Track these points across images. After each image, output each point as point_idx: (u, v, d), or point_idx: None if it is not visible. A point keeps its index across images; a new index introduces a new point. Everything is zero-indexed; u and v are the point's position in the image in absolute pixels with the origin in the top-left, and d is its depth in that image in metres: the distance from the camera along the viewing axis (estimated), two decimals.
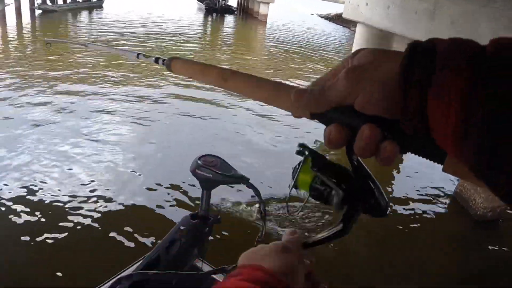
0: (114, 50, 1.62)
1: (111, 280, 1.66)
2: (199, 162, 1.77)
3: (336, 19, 33.20)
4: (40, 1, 24.71)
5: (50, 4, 24.92)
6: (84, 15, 25.43)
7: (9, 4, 21.90)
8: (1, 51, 14.75)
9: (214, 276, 1.90)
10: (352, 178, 0.58)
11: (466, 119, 0.37)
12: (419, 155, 0.47)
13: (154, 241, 4.90)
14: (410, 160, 8.75)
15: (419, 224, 6.36)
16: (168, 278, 1.61)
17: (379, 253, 5.70)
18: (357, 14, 10.76)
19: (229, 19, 31.99)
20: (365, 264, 5.38)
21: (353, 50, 7.36)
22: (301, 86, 0.53)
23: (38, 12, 23.52)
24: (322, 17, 38.06)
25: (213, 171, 1.74)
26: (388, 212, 0.59)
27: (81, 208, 5.65)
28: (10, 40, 17.10)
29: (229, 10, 34.37)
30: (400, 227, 6.22)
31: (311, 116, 0.51)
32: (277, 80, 0.60)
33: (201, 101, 10.58)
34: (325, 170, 0.60)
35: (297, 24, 30.51)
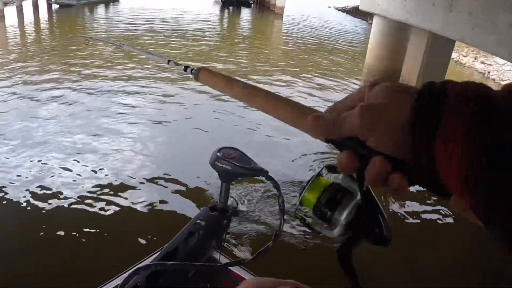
0: (147, 53, 1.68)
1: (129, 270, 1.66)
2: (218, 154, 1.78)
3: (354, 11, 32.78)
4: None
5: None
6: (100, 10, 25.62)
7: None
8: (21, 45, 15.06)
9: (230, 268, 1.90)
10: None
11: (469, 163, 0.39)
12: (427, 190, 0.48)
13: (170, 231, 4.91)
14: None
15: (427, 219, 6.27)
16: (185, 269, 1.63)
17: (384, 251, 5.62)
18: (373, 6, 10.60)
19: (246, 12, 31.91)
20: (369, 262, 5.29)
21: (370, 42, 7.34)
22: (317, 113, 0.54)
23: (55, 6, 23.75)
24: (339, 10, 37.60)
25: (233, 163, 1.74)
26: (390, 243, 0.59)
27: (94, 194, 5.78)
28: (29, 35, 17.37)
29: (245, 3, 34.19)
30: (407, 221, 6.14)
31: (326, 140, 0.53)
32: (297, 101, 0.63)
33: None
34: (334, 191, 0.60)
35: (314, 17, 30.24)
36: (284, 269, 4.67)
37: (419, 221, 6.29)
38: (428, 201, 6.75)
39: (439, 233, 6.15)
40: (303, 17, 29.52)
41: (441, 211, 6.60)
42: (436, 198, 6.75)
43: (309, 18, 29.38)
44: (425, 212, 6.50)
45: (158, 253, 1.75)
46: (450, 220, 6.51)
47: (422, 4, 8.31)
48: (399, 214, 6.39)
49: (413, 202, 6.70)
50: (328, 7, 39.29)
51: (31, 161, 6.43)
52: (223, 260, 1.89)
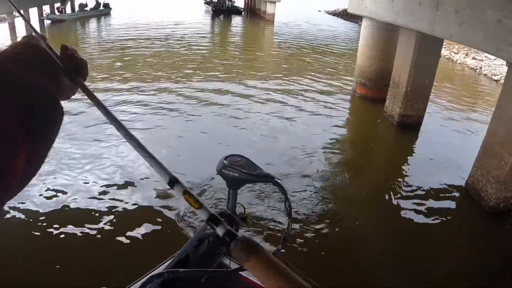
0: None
1: (142, 278, 1.69)
2: (225, 162, 1.80)
3: (344, 14, 33.01)
4: (49, 12, 24.97)
5: (58, 14, 25.18)
6: (92, 23, 25.72)
7: (18, 16, 22.17)
8: None
9: (241, 273, 1.93)
10: None
11: None
12: None
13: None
14: (422, 152, 8.69)
15: (429, 217, 6.27)
16: (197, 276, 1.64)
17: (387, 245, 5.65)
18: (362, 8, 10.68)
19: (237, 20, 32.04)
20: (373, 258, 5.32)
21: (360, 44, 7.55)
22: None
23: (47, 22, 23.82)
24: (329, 13, 37.85)
25: (240, 170, 1.76)
26: None
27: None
28: None
29: (236, 10, 34.37)
30: (409, 220, 6.16)
31: None
32: None
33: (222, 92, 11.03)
34: None
35: (305, 21, 30.44)
36: (306, 259, 4.78)
37: (429, 213, 6.34)
38: (438, 194, 6.85)
39: (449, 226, 6.18)
40: (294, 22, 29.69)
41: (451, 204, 6.75)
42: (445, 190, 6.86)
43: (300, 23, 29.57)
44: (434, 205, 6.57)
45: (170, 261, 1.77)
46: (460, 213, 6.61)
47: (409, 4, 8.38)
48: (409, 206, 6.47)
49: (422, 196, 6.78)
50: (319, 11, 39.55)
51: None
52: (234, 265, 1.92)
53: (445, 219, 6.31)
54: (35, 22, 22.62)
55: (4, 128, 0.46)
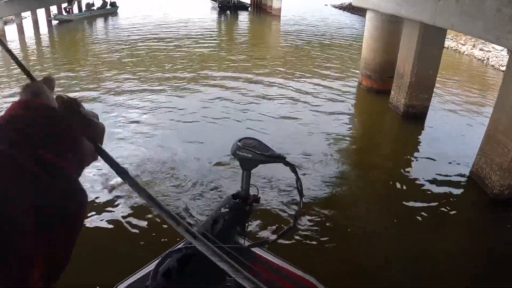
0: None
1: (163, 255, 1.79)
2: (239, 144, 1.87)
3: (350, 8, 32.83)
4: (56, 12, 25.20)
5: (65, 14, 25.39)
6: (99, 23, 25.85)
7: (26, 17, 22.43)
8: (25, 59, 15.31)
9: (254, 249, 2.02)
10: None
11: None
12: None
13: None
14: (427, 141, 8.74)
15: (434, 205, 6.33)
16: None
17: (392, 234, 5.71)
18: (365, 1, 10.72)
19: (243, 16, 32.02)
20: (377, 246, 5.38)
21: (365, 36, 7.66)
22: None
23: (54, 22, 24.05)
24: (336, 7, 37.64)
25: (253, 151, 1.83)
26: None
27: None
28: (30, 50, 17.65)
29: (242, 6, 34.33)
30: (415, 209, 6.21)
31: None
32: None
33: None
34: None
35: (311, 16, 30.30)
36: (306, 252, 4.87)
37: (434, 201, 6.43)
38: (443, 183, 6.94)
39: (454, 214, 6.25)
40: (300, 17, 29.60)
41: (456, 192, 6.80)
42: (450, 178, 6.90)
43: (306, 17, 29.48)
44: (439, 193, 6.66)
45: (186, 240, 1.88)
46: (465, 200, 6.70)
47: None
48: (414, 195, 6.55)
49: (427, 185, 6.86)
50: (325, 5, 39.30)
51: None
52: (248, 242, 1.99)
53: (450, 207, 6.36)
54: (43, 23, 22.87)
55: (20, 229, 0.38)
